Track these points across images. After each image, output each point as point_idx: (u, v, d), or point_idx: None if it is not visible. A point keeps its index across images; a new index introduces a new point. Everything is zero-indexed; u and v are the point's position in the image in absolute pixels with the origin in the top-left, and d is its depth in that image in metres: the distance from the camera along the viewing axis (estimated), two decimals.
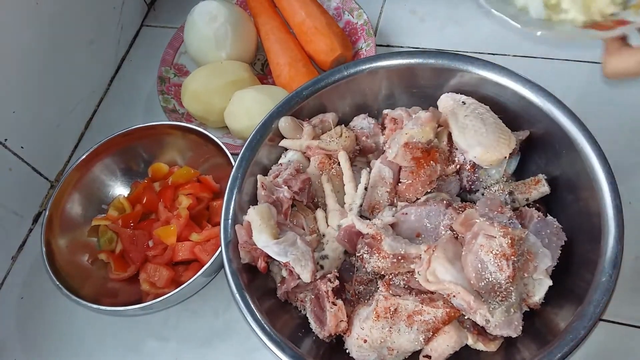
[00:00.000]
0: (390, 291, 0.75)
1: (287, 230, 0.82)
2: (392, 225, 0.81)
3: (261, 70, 1.23)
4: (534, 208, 0.83)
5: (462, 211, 0.78)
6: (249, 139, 0.89)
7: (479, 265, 0.71)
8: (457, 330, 0.75)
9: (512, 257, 0.71)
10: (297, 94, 0.93)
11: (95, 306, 0.86)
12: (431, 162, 0.83)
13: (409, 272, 0.77)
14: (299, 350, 0.75)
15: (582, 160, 0.79)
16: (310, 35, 1.13)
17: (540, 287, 0.76)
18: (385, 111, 0.95)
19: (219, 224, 0.84)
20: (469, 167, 0.85)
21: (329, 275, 0.79)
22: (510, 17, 0.64)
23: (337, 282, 0.78)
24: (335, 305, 0.77)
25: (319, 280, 0.78)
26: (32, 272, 1.06)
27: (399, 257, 0.75)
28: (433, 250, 0.74)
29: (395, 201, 0.86)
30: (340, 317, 0.77)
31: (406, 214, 0.82)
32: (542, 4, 0.66)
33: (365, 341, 0.75)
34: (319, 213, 0.88)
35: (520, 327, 0.73)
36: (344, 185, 0.89)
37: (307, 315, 0.81)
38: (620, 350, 0.84)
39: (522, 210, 0.82)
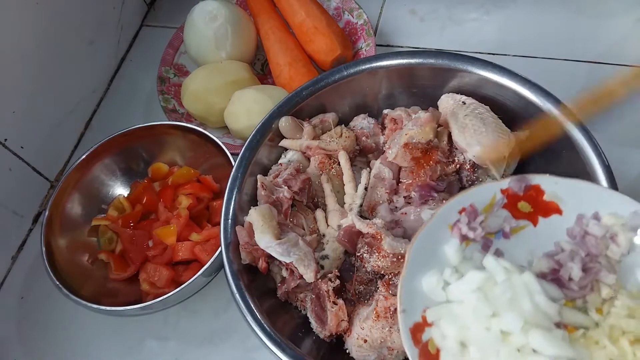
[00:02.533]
0: (390, 291, 0.75)
1: (288, 230, 0.82)
2: None
3: (261, 70, 1.23)
4: None
5: None
6: (249, 139, 0.89)
7: None
8: None
9: None
10: (297, 94, 0.93)
11: (95, 306, 0.87)
12: (431, 162, 0.83)
13: None
14: (299, 350, 0.75)
15: (582, 160, 0.79)
16: (310, 35, 1.13)
17: None
18: (385, 111, 0.95)
19: (219, 224, 0.84)
20: (468, 166, 0.85)
21: (329, 275, 0.79)
22: None
23: (337, 282, 0.78)
24: (336, 304, 0.77)
25: (320, 280, 0.79)
26: (32, 272, 1.06)
27: (399, 257, 0.75)
28: None
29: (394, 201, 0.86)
30: (341, 316, 0.77)
31: (406, 213, 0.82)
32: None
33: (365, 341, 0.75)
34: (319, 213, 0.88)
35: None
36: (344, 185, 0.89)
37: (308, 315, 0.81)
38: None
39: None
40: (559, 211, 0.66)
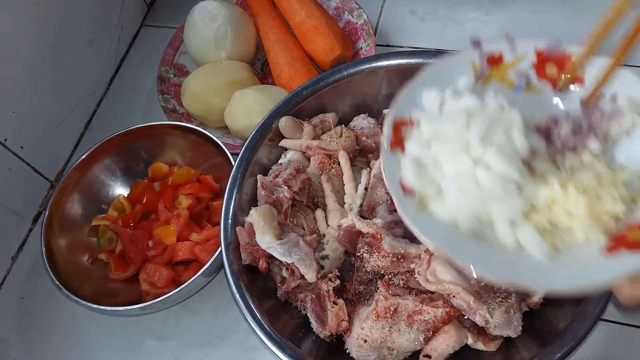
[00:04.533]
0: (390, 291, 0.75)
1: (288, 230, 0.82)
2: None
3: (261, 70, 1.23)
4: None
5: None
6: (249, 139, 0.89)
7: None
8: (457, 330, 0.75)
9: None
10: (297, 94, 0.93)
11: (95, 306, 0.87)
12: None
13: (408, 271, 0.77)
14: (299, 350, 0.75)
15: None
16: (310, 35, 1.13)
17: None
18: (385, 111, 0.95)
19: (219, 223, 0.84)
20: None
21: (330, 275, 0.79)
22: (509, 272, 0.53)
23: (338, 282, 0.78)
24: (337, 304, 0.77)
25: (320, 280, 0.79)
26: (32, 272, 1.06)
27: (399, 256, 0.75)
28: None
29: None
30: (341, 316, 0.77)
31: None
32: (538, 237, 0.55)
33: (365, 341, 0.75)
34: (319, 213, 0.88)
35: (520, 328, 0.74)
36: (344, 185, 0.89)
37: (308, 315, 0.81)
38: (620, 350, 0.84)
39: None
40: (582, 82, 0.66)
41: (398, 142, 0.61)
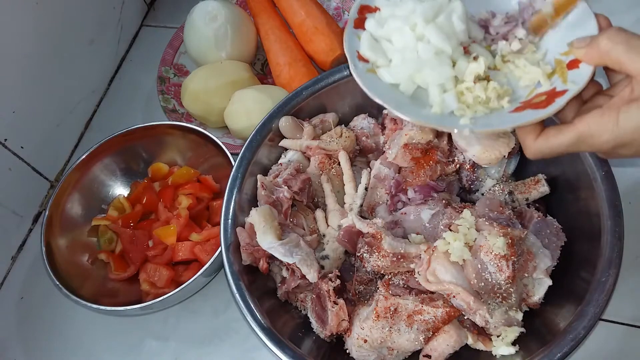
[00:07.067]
0: (390, 291, 0.75)
1: (289, 230, 0.82)
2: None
3: (261, 70, 1.23)
4: (533, 208, 0.83)
5: (461, 211, 0.78)
6: (249, 139, 0.89)
7: (479, 266, 0.71)
8: (457, 330, 0.75)
9: (512, 257, 0.71)
10: (297, 94, 0.93)
11: (95, 306, 0.87)
12: (430, 162, 0.83)
13: (408, 271, 0.77)
14: (299, 350, 0.75)
15: (581, 160, 0.79)
16: (310, 35, 1.13)
17: (540, 286, 0.76)
18: (385, 111, 0.95)
19: (218, 223, 0.84)
20: (468, 166, 0.85)
21: (330, 275, 0.79)
22: (431, 118, 0.65)
23: (338, 282, 0.78)
24: (337, 304, 0.77)
25: (320, 280, 0.79)
26: (32, 272, 1.06)
27: (399, 256, 0.75)
28: (433, 250, 0.74)
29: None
30: (341, 316, 0.77)
31: (405, 213, 0.82)
32: (455, 98, 0.65)
33: (365, 341, 0.75)
34: (319, 213, 0.88)
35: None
36: (344, 185, 0.89)
37: (309, 315, 0.81)
38: (620, 350, 0.84)
39: (522, 210, 0.82)
40: None
41: (361, 23, 0.71)
